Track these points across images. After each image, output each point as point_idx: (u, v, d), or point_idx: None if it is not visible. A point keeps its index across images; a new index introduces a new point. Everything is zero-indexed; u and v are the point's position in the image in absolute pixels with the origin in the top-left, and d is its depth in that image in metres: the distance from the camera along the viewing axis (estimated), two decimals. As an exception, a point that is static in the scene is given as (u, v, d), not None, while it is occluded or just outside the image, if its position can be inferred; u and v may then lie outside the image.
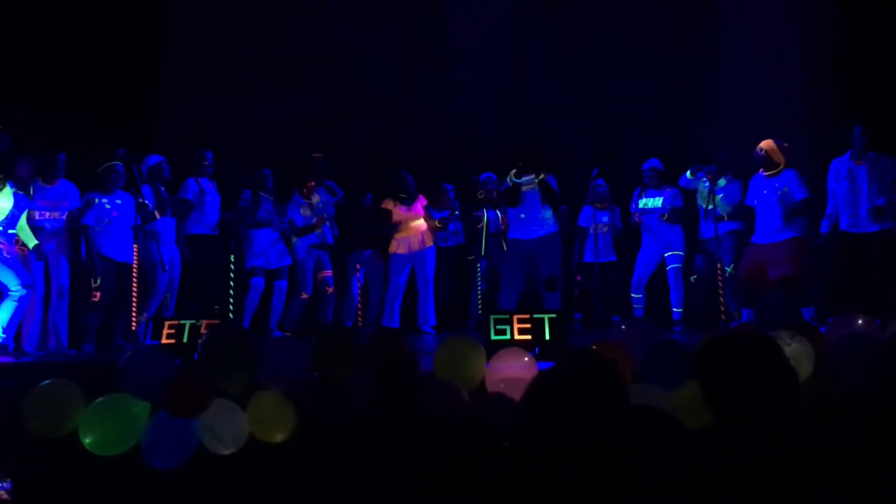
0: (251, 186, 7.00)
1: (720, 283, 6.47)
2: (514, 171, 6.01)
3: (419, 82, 8.68)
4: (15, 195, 5.46)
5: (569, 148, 7.69)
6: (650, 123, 7.95)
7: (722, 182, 6.55)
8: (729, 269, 6.48)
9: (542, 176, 5.97)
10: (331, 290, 7.24)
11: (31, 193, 5.76)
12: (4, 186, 5.40)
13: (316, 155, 7.46)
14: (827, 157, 6.31)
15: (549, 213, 6.02)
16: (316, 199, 7.26)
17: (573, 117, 8.12)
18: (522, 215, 5.99)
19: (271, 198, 7.08)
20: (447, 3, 8.65)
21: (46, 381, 3.63)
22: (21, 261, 5.53)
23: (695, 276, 6.88)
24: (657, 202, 6.91)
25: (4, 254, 5.34)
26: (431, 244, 7.39)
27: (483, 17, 8.48)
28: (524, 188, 5.97)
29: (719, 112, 7.49)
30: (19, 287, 5.28)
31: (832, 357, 3.46)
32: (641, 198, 7.05)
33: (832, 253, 6.24)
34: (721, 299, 6.46)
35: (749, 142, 6.26)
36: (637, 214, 7.03)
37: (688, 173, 6.72)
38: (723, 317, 6.43)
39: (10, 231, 5.43)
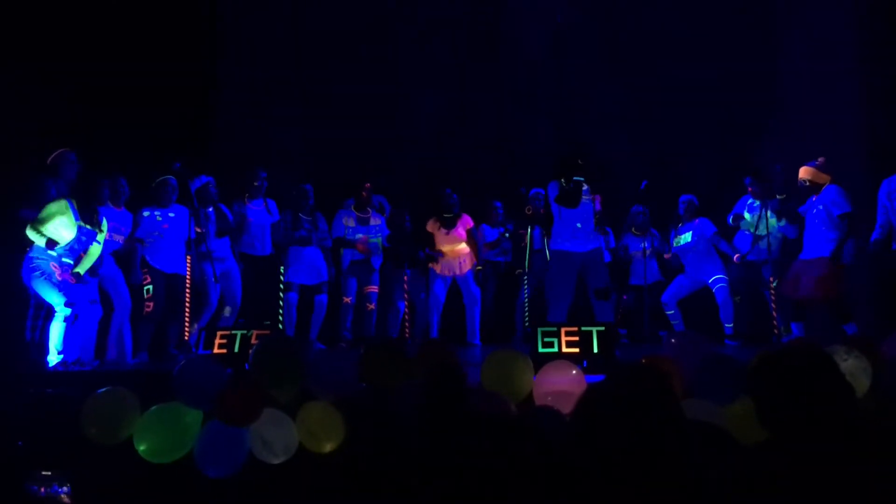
0: (291, 205, 7.04)
1: (773, 299, 6.37)
2: (568, 182, 5.84)
3: (466, 99, 8.67)
4: (80, 229, 5.40)
5: (617, 160, 7.60)
6: (701, 140, 7.85)
7: (781, 222, 6.49)
8: (774, 283, 6.43)
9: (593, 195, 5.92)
10: (371, 306, 7.20)
11: (102, 221, 5.66)
12: (67, 212, 5.36)
13: (367, 185, 7.28)
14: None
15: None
16: (375, 221, 7.27)
17: (622, 129, 8.02)
18: (579, 224, 5.81)
19: (310, 216, 7.08)
20: (495, 17, 8.66)
21: (104, 389, 3.72)
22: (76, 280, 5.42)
23: (738, 298, 6.80)
24: (688, 237, 7.07)
25: (56, 276, 5.29)
26: (471, 268, 7.39)
27: (531, 29, 8.47)
28: (583, 195, 5.83)
29: (774, 128, 7.39)
30: (62, 307, 5.23)
31: (890, 373, 3.38)
32: (675, 236, 7.23)
33: (881, 269, 6.11)
34: (774, 314, 6.36)
35: (803, 159, 6.18)
36: (671, 255, 7.28)
37: (730, 220, 6.83)
38: (776, 332, 6.34)
39: (64, 259, 5.34)
